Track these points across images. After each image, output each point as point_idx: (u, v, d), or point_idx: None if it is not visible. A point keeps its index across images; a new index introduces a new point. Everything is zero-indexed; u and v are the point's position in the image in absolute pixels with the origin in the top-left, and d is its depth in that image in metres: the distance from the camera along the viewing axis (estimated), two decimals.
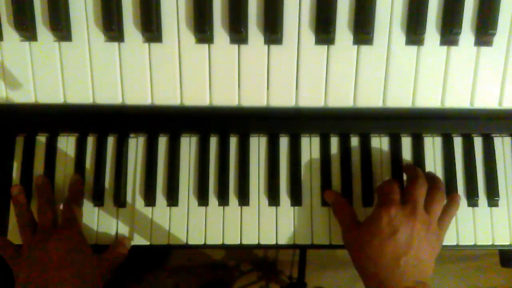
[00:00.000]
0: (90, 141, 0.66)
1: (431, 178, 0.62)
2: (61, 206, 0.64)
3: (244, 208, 0.65)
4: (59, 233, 0.60)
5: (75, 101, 0.60)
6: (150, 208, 0.65)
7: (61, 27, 0.57)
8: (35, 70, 0.59)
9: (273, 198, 0.65)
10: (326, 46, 0.59)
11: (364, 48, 0.59)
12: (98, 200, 0.65)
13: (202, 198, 0.65)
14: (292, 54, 0.59)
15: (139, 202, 0.65)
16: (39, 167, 0.65)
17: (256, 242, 0.65)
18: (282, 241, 0.65)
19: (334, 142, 0.67)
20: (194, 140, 0.66)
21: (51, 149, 0.65)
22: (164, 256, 1.46)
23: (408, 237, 0.55)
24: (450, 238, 0.65)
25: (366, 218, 0.60)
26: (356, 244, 0.58)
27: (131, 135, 0.66)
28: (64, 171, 0.65)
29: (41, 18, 0.58)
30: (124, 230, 0.65)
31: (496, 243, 0.65)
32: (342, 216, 0.62)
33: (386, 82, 0.60)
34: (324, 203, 0.65)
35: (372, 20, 0.57)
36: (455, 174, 0.66)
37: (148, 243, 0.64)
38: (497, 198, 0.65)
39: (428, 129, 0.67)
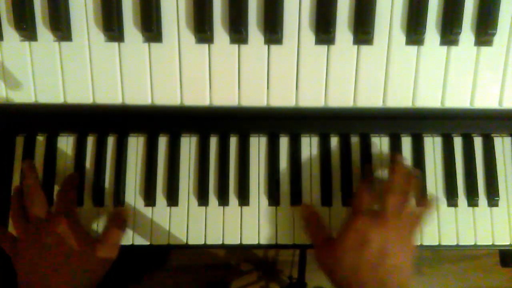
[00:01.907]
0: (90, 141, 0.66)
1: (406, 177, 0.60)
2: (55, 197, 0.63)
3: (244, 208, 0.65)
4: (55, 223, 0.58)
5: (75, 101, 0.60)
6: (150, 208, 0.65)
7: (61, 27, 0.57)
8: (35, 70, 0.59)
9: (273, 198, 0.65)
10: (326, 46, 0.59)
11: (364, 48, 0.59)
12: (98, 200, 0.65)
13: (202, 198, 0.65)
14: (292, 54, 0.59)
15: (139, 202, 0.65)
16: (39, 167, 0.65)
17: (256, 242, 0.65)
18: (282, 241, 0.65)
19: (334, 142, 0.67)
20: (194, 140, 0.66)
21: (51, 149, 0.65)
22: (164, 256, 1.46)
23: (381, 245, 0.54)
24: (450, 238, 0.65)
25: (337, 233, 0.58)
26: (331, 262, 0.57)
27: (131, 135, 0.66)
28: (64, 171, 0.65)
29: (41, 18, 0.58)
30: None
31: (496, 243, 0.65)
32: (314, 233, 0.61)
33: (386, 82, 0.60)
34: (323, 203, 0.65)
35: (372, 20, 0.57)
36: (455, 174, 0.66)
37: (148, 243, 0.64)
38: (497, 198, 0.65)
39: (428, 129, 0.67)
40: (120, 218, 0.63)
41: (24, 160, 0.64)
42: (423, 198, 0.63)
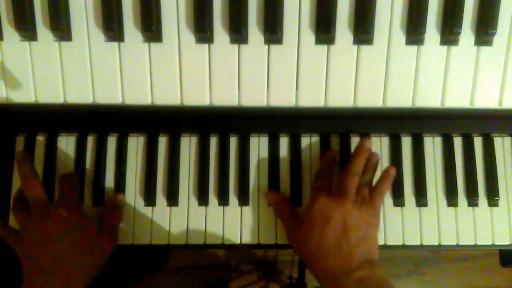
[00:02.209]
0: (90, 141, 0.66)
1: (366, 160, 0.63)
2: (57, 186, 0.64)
3: (244, 208, 0.65)
4: (56, 212, 0.58)
5: (75, 101, 0.60)
6: (150, 208, 0.65)
7: (61, 27, 0.57)
8: (35, 70, 0.59)
9: None
10: (326, 46, 0.59)
11: (364, 48, 0.59)
12: (98, 200, 0.65)
13: (202, 198, 0.65)
14: (292, 54, 0.59)
15: (139, 202, 0.65)
16: (39, 167, 0.65)
17: (256, 242, 0.65)
18: (282, 241, 0.65)
19: (334, 142, 0.67)
20: (194, 140, 0.66)
21: (51, 149, 0.65)
22: (164, 256, 1.46)
23: (342, 220, 0.57)
24: (450, 238, 0.65)
25: (302, 213, 0.61)
26: (300, 242, 0.60)
27: (131, 135, 0.66)
28: (64, 171, 0.65)
29: (41, 18, 0.58)
30: (124, 230, 0.64)
31: (496, 243, 0.65)
32: (284, 217, 0.63)
33: (386, 82, 0.60)
34: None
35: (372, 20, 0.57)
36: (455, 174, 0.66)
37: (148, 243, 0.64)
38: (497, 198, 0.65)
39: (428, 129, 0.67)
40: (118, 204, 0.64)
41: (17, 152, 0.64)
42: (383, 170, 0.64)
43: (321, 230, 0.57)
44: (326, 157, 0.65)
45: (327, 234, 0.57)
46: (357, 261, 0.56)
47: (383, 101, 0.60)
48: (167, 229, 0.65)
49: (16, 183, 0.65)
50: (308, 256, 0.59)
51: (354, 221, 0.57)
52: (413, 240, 0.65)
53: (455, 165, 0.66)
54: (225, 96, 0.60)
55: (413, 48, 0.59)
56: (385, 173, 0.63)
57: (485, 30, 0.57)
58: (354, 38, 0.58)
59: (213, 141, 0.66)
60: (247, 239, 0.64)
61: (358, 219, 0.58)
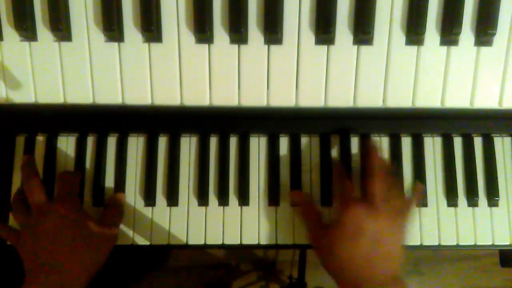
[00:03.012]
0: (90, 141, 0.66)
1: (384, 167, 0.61)
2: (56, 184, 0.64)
3: (244, 208, 0.65)
4: (55, 209, 0.58)
5: (75, 101, 0.60)
6: (150, 208, 0.65)
7: (61, 27, 0.57)
8: (35, 70, 0.59)
9: (273, 198, 0.65)
10: (326, 46, 0.59)
11: (364, 48, 0.59)
12: (98, 200, 0.65)
13: (202, 198, 0.65)
14: (292, 54, 0.59)
15: (139, 202, 0.65)
16: (39, 167, 0.65)
17: (256, 242, 0.65)
18: (282, 241, 0.65)
19: (334, 142, 0.67)
20: (194, 140, 0.66)
21: (51, 149, 0.65)
22: (164, 256, 1.46)
23: (374, 233, 0.55)
24: (450, 238, 0.65)
25: (330, 220, 0.59)
26: (326, 250, 0.58)
27: (131, 135, 0.66)
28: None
29: (41, 18, 0.58)
30: (124, 230, 0.65)
31: (496, 243, 0.65)
32: (309, 220, 0.62)
33: (386, 82, 0.60)
34: (323, 202, 0.65)
35: (372, 20, 0.57)
36: (455, 174, 0.66)
37: (148, 243, 0.64)
38: (497, 198, 0.65)
39: (428, 129, 0.67)
40: (118, 203, 0.64)
41: (23, 157, 0.64)
42: (413, 186, 0.64)
43: (352, 241, 0.55)
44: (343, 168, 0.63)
45: (357, 246, 0.55)
46: (384, 277, 0.55)
47: (383, 101, 0.60)
48: (167, 229, 0.65)
49: (16, 183, 0.65)
50: (333, 264, 0.57)
51: (385, 236, 0.56)
52: (413, 240, 0.65)
53: (455, 165, 0.66)
54: (225, 96, 0.60)
55: (413, 48, 0.59)
56: (416, 190, 0.63)
57: (485, 30, 0.57)
58: (354, 38, 0.58)
59: (213, 141, 0.66)
60: (247, 239, 0.64)
61: (390, 234, 0.56)
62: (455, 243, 0.65)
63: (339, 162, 0.65)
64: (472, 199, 0.65)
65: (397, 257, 0.57)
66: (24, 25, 0.57)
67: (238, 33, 0.57)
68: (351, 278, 0.56)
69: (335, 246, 0.56)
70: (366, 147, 0.64)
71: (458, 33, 0.58)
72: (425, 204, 0.65)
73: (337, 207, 0.60)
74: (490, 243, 0.65)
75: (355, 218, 0.56)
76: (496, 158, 0.66)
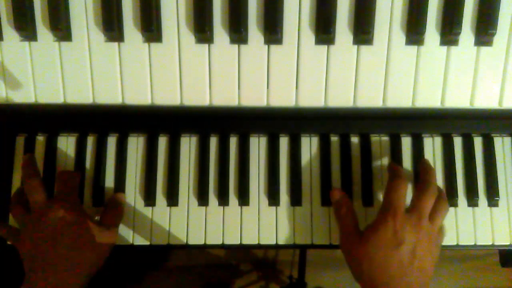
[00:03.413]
0: (90, 141, 0.66)
1: (438, 187, 0.61)
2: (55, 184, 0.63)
3: (244, 208, 0.65)
4: (55, 209, 0.58)
5: (75, 101, 0.60)
6: (150, 208, 0.65)
7: (61, 27, 0.57)
8: (35, 70, 0.59)
9: (273, 198, 0.65)
10: (326, 46, 0.59)
11: (364, 48, 0.59)
12: (98, 200, 0.65)
13: (202, 198, 0.65)
14: (292, 54, 0.59)
15: (139, 202, 0.65)
16: (39, 167, 0.65)
17: (256, 242, 0.65)
18: (282, 241, 0.65)
19: (334, 142, 0.67)
20: (194, 140, 0.66)
21: (51, 149, 0.65)
22: (164, 256, 1.46)
23: (413, 248, 0.55)
24: (450, 238, 0.65)
25: (368, 226, 0.58)
26: (359, 256, 0.57)
27: (131, 135, 0.66)
28: None
29: (41, 18, 0.58)
30: (124, 230, 0.65)
31: (496, 243, 0.65)
32: (345, 221, 0.60)
33: (386, 82, 0.60)
34: (324, 202, 0.65)
35: (372, 20, 0.57)
36: (455, 174, 0.66)
37: (148, 243, 0.64)
38: (497, 198, 0.65)
39: (428, 129, 0.67)
40: (118, 203, 0.64)
41: (24, 155, 0.64)
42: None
43: (389, 251, 0.55)
44: (399, 174, 0.60)
45: (394, 258, 0.54)
46: None
47: (383, 101, 0.60)
48: (167, 229, 0.65)
49: (16, 183, 0.65)
50: (363, 271, 0.56)
51: (423, 250, 0.55)
52: None
53: (455, 165, 0.66)
54: (225, 96, 0.60)
55: (413, 48, 0.59)
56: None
57: (485, 30, 0.57)
58: (354, 38, 0.58)
59: (213, 141, 0.66)
60: (247, 239, 0.64)
61: (427, 249, 0.56)
62: (455, 243, 0.65)
63: (392, 164, 0.64)
64: (472, 199, 0.65)
65: (428, 275, 0.56)
66: (24, 25, 0.57)
67: (238, 33, 0.57)
68: (382, 286, 0.55)
69: (369, 253, 0.55)
70: (423, 165, 0.63)
71: (458, 33, 0.58)
72: None
73: (380, 212, 0.58)
74: (490, 243, 0.65)
75: (397, 227, 0.55)
76: (496, 158, 0.66)
